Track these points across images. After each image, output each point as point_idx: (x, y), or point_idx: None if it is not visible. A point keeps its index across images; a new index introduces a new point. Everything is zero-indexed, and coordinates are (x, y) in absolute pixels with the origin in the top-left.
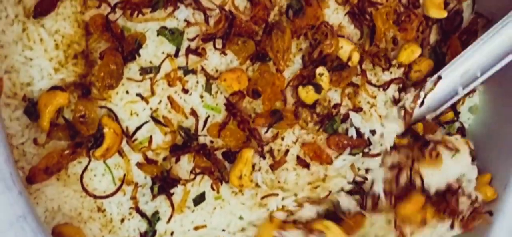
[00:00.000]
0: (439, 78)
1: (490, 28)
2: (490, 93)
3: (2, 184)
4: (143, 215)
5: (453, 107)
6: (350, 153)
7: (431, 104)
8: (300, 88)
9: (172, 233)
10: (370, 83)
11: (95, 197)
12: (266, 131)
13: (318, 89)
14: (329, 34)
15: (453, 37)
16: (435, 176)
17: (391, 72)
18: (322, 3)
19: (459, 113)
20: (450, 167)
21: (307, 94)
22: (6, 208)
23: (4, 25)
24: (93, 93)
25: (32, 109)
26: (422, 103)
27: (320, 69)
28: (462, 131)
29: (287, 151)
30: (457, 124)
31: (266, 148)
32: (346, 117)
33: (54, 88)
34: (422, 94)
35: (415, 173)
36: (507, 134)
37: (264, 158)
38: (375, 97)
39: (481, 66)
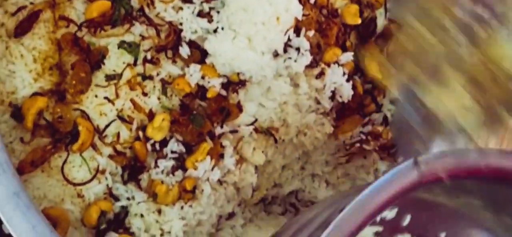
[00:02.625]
0: None
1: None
2: None
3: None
4: (116, 198)
5: (374, 100)
6: None
7: None
8: None
9: (142, 215)
10: None
11: (74, 184)
12: (222, 126)
13: None
14: None
15: (370, 41)
16: None
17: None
18: None
19: (382, 105)
20: None
21: None
22: (3, 187)
23: None
24: (67, 98)
25: (17, 113)
26: None
27: None
28: (385, 121)
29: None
30: (380, 115)
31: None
32: None
33: (34, 94)
34: None
35: None
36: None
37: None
38: None
39: None
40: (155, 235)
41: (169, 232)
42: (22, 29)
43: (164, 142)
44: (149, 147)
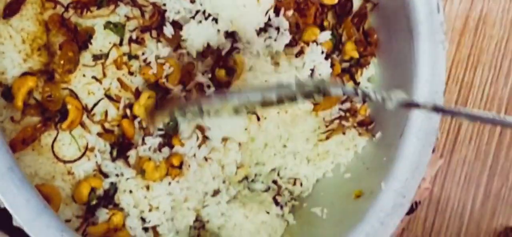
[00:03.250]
0: None
1: None
2: (382, 64)
3: None
4: (105, 175)
5: (352, 77)
6: None
7: None
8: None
9: (130, 191)
10: None
11: (64, 162)
12: None
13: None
14: None
15: (346, 20)
16: None
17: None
18: None
19: (359, 83)
20: None
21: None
22: None
23: None
24: (56, 77)
25: (7, 92)
26: None
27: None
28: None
29: None
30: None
31: None
32: None
33: (24, 74)
34: None
35: None
36: None
37: None
38: None
39: None
40: (143, 211)
41: (157, 208)
42: (10, 11)
43: None
44: (136, 124)
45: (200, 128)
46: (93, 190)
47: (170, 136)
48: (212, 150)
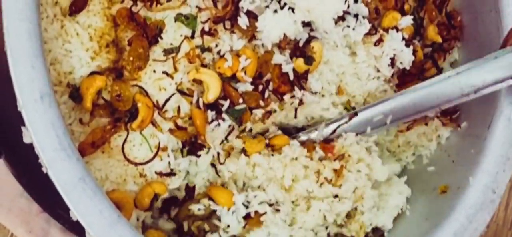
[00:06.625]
0: (355, 114)
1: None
2: (467, 49)
3: (64, 153)
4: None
5: (435, 63)
6: None
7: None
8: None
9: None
10: None
11: (136, 164)
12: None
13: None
14: None
15: (428, 2)
16: None
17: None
18: None
19: (442, 68)
20: None
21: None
22: (69, 172)
23: (45, 24)
24: (125, 75)
25: (75, 93)
26: (334, 132)
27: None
28: None
29: None
30: None
31: None
32: None
33: (92, 73)
34: (335, 125)
35: None
36: None
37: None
38: None
39: (393, 113)
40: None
41: None
42: (76, 7)
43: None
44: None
45: None
46: (156, 196)
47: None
48: None
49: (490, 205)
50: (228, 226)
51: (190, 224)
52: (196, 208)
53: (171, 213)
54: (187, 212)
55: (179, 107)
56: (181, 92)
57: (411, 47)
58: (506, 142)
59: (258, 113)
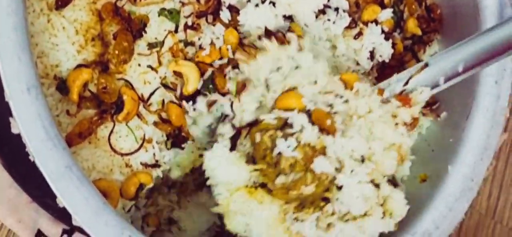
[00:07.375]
0: (426, 65)
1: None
2: (446, 41)
3: (51, 143)
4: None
5: (415, 56)
6: None
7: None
8: None
9: None
10: None
11: (122, 154)
12: None
13: None
14: None
15: None
16: None
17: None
18: None
19: (422, 61)
20: None
21: None
22: (56, 161)
23: (32, 18)
24: (111, 68)
25: (62, 85)
26: (406, 83)
27: None
28: None
29: None
30: None
31: None
32: None
33: (79, 66)
34: (407, 75)
35: None
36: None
37: None
38: None
39: (465, 62)
40: None
41: None
42: (62, 1)
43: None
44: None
45: None
46: (141, 186)
47: None
48: None
49: (469, 193)
50: (301, 131)
51: (263, 134)
52: (270, 118)
53: None
54: (261, 127)
55: (163, 101)
56: (165, 86)
57: (391, 40)
58: (484, 133)
59: None
